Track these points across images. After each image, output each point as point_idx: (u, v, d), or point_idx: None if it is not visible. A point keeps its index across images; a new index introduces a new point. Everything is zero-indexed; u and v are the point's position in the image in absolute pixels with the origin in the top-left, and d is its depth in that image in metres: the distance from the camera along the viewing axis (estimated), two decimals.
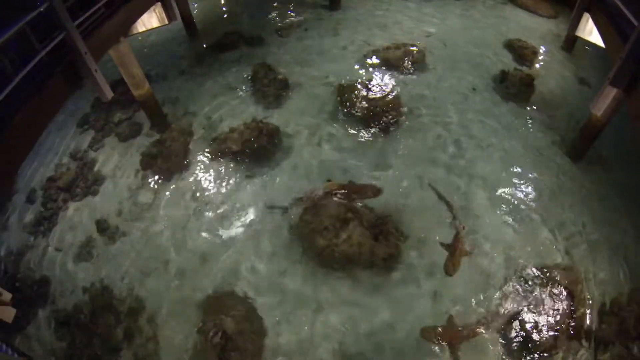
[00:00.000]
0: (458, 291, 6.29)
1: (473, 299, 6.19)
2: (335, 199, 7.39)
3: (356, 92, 9.63)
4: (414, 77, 10.09)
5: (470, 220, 7.10)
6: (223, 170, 8.34)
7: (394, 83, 9.91)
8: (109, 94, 6.36)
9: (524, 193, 7.54)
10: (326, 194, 7.50)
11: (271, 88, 9.86)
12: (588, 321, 5.91)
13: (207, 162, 8.55)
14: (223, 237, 7.28)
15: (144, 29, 8.79)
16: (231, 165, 8.40)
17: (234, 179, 8.16)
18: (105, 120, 9.69)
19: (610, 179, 7.68)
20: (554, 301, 6.10)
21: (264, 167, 8.28)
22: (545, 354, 5.61)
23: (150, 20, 8.83)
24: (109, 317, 6.44)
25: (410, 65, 10.32)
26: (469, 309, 6.10)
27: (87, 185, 8.44)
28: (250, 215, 7.53)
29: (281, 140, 8.74)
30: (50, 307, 6.83)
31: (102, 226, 7.70)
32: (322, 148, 8.54)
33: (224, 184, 8.12)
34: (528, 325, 5.87)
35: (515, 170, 7.92)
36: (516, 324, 5.91)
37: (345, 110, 9.27)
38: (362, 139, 8.63)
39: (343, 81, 9.95)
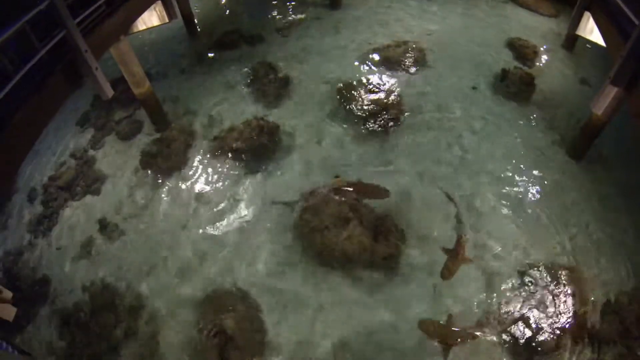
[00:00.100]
0: (459, 291, 6.28)
1: (474, 299, 6.18)
2: (340, 197, 7.34)
3: (357, 90, 9.62)
4: (415, 75, 10.07)
5: (472, 219, 7.09)
6: (223, 169, 8.34)
7: (394, 81, 9.89)
8: (110, 92, 6.36)
9: (525, 192, 7.52)
10: (334, 190, 7.48)
11: (271, 87, 9.85)
12: (590, 320, 5.89)
13: (207, 160, 8.54)
14: (223, 235, 7.28)
15: (144, 27, 8.78)
16: (231, 164, 8.40)
17: (234, 178, 8.15)
18: (105, 119, 9.70)
19: (611, 178, 7.67)
20: (556, 300, 6.09)
21: (264, 166, 8.28)
22: (547, 353, 5.60)
23: (151, 19, 8.83)
24: (109, 316, 6.45)
25: (411, 64, 10.30)
26: (470, 309, 6.09)
27: (87, 184, 8.44)
28: (250, 214, 7.53)
29: (281, 139, 8.73)
30: (51, 306, 6.84)
31: (102, 225, 7.70)
32: (322, 146, 8.53)
33: (224, 182, 8.11)
34: (530, 325, 5.87)
35: (515, 169, 7.91)
36: (518, 323, 5.90)
37: (346, 108, 9.26)
38: (362, 137, 8.62)
39: (344, 79, 9.93)
